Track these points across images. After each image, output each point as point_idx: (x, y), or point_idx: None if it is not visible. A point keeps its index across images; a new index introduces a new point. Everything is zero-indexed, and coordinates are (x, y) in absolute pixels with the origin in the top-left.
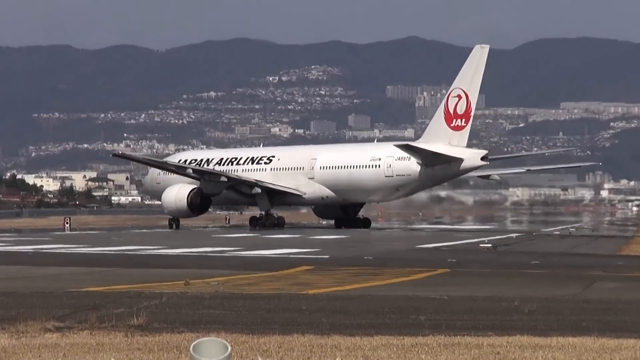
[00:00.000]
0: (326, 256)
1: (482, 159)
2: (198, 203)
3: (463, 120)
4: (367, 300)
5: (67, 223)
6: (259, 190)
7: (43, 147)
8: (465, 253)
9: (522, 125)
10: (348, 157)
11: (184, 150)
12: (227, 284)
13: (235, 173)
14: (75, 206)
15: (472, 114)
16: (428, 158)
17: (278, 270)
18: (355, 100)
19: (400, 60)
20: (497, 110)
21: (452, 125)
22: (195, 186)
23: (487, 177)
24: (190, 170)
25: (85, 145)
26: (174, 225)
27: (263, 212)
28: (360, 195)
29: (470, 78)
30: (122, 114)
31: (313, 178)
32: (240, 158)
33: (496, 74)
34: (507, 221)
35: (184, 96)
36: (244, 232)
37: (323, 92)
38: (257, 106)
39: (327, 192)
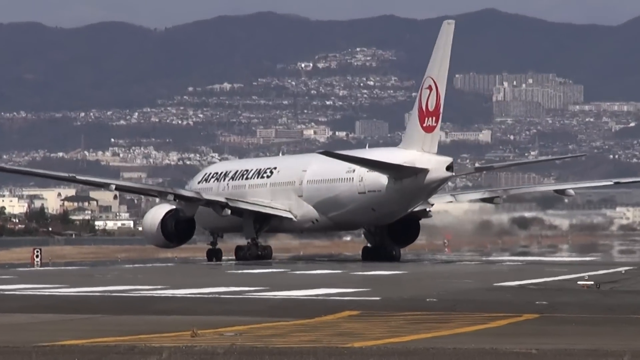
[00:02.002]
0: (377, 298)
1: (447, 168)
2: (173, 229)
3: (433, 119)
4: (431, 355)
5: (37, 256)
6: (229, 212)
7: (5, 157)
8: (560, 293)
9: (632, 124)
10: (333, 168)
11: (195, 159)
12: (247, 334)
13: (242, 189)
14: (47, 234)
15: (442, 110)
16: (388, 170)
17: (313, 317)
18: (413, 94)
19: (472, 41)
20: (599, 105)
21: (424, 125)
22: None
23: (562, 192)
24: (113, 187)
25: (61, 154)
26: (214, 258)
27: (249, 240)
28: (345, 218)
29: (438, 64)
30: (109, 113)
31: (302, 195)
32: (250, 170)
33: (598, 59)
34: (614, 251)
35: (190, 89)
36: (269, 266)
37: (372, 83)
38: (285, 102)
39: (316, 213)
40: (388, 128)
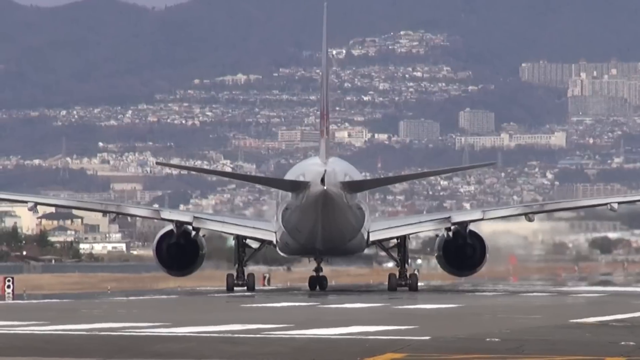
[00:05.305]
0: (426, 337)
1: (321, 181)
2: (166, 254)
3: (324, 120)
4: None
5: (8, 286)
6: (194, 233)
7: None
8: None
9: None
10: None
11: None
12: None
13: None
14: (20, 259)
15: (328, 109)
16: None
17: None
18: (470, 87)
19: (542, 22)
20: None
21: (321, 128)
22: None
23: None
24: (31, 204)
25: (37, 162)
26: (318, 286)
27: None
28: (289, 240)
29: (324, 53)
30: (96, 111)
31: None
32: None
33: None
34: None
35: (196, 81)
36: (292, 298)
37: (419, 74)
38: (313, 97)
39: (285, 235)
40: (439, 129)
